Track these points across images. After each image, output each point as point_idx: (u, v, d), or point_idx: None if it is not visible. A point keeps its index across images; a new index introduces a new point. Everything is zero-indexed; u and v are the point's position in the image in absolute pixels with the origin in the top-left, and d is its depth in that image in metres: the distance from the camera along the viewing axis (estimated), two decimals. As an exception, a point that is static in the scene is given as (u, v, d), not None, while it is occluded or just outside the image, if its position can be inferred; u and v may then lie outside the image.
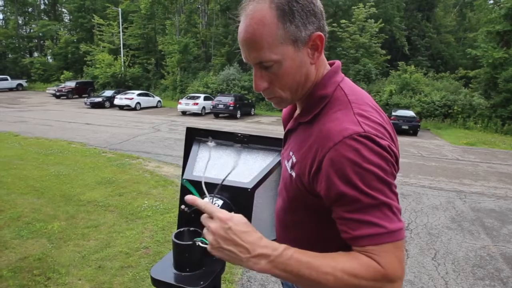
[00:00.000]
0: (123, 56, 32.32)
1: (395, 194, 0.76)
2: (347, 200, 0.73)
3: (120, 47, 32.62)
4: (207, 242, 0.80)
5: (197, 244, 0.87)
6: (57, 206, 4.85)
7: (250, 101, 22.51)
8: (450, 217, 5.33)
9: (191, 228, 1.00)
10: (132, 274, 3.19)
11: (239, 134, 1.21)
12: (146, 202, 5.10)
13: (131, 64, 33.07)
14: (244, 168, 1.15)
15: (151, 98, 23.51)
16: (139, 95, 22.43)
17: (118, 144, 9.84)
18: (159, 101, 24.12)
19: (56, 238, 3.88)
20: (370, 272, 0.71)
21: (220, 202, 1.04)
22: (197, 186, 1.03)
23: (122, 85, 29.83)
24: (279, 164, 1.14)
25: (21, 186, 5.63)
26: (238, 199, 1.06)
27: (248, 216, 0.99)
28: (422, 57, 31.43)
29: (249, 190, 1.06)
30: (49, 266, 3.29)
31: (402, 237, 0.74)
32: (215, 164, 1.16)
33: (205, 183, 1.01)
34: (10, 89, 32.02)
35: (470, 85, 23.82)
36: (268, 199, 1.16)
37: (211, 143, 1.17)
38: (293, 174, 0.87)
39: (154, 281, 0.94)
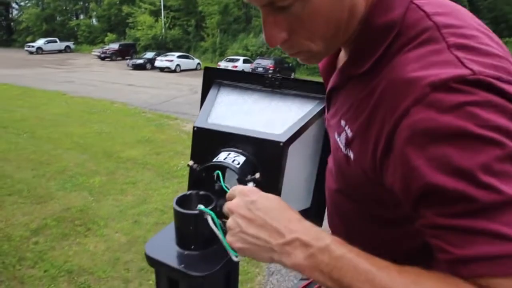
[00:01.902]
0: (164, 17, 32.36)
1: None
2: (446, 198, 0.42)
3: (160, 9, 32.61)
4: (220, 227, 0.61)
5: (205, 217, 0.67)
6: (99, 162, 5.04)
7: (290, 64, 21.91)
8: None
9: (201, 192, 0.76)
10: (166, 230, 3.25)
11: (270, 76, 0.95)
12: (182, 162, 5.15)
13: (171, 26, 33.09)
14: (275, 116, 0.87)
15: (190, 61, 23.56)
16: (179, 57, 22.54)
17: (157, 105, 10.01)
18: (198, 63, 24.12)
19: (97, 192, 4.04)
20: None
21: (242, 158, 0.78)
22: (212, 137, 0.82)
23: (162, 47, 30.09)
24: (320, 114, 0.87)
25: (67, 142, 5.90)
26: (266, 156, 0.80)
27: (278, 179, 0.79)
28: (484, 20, 28.52)
29: (281, 144, 0.78)
30: (90, 217, 3.43)
31: None
32: (238, 111, 0.91)
33: (223, 133, 0.81)
34: (59, 51, 33.42)
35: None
36: (304, 158, 0.92)
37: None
38: (351, 155, 0.56)
39: (149, 259, 0.73)
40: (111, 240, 3.07)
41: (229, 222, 0.56)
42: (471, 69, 0.42)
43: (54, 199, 3.80)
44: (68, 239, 3.05)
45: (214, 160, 0.78)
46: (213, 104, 0.92)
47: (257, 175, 0.75)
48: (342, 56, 0.67)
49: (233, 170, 0.75)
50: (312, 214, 0.99)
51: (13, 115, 7.65)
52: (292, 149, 0.81)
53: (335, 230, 0.75)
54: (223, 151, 0.80)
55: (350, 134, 0.56)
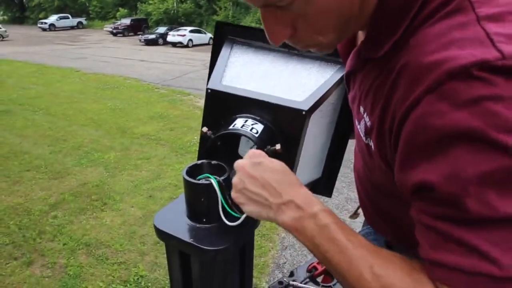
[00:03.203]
0: (175, -9, 31.79)
1: None
2: (437, 198, 0.39)
3: (172, -18, 32.00)
4: (223, 195, 0.60)
5: (214, 185, 0.64)
6: (113, 138, 5.08)
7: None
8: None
9: (213, 162, 0.73)
10: (180, 205, 3.29)
11: None
12: (195, 137, 5.15)
13: (183, 0, 32.52)
14: (295, 81, 0.80)
15: (203, 35, 23.22)
16: (191, 31, 22.21)
17: (170, 81, 9.96)
18: (211, 37, 23.74)
19: (112, 167, 4.09)
20: None
21: (260, 126, 0.73)
22: (227, 101, 0.74)
23: (174, 22, 29.72)
24: (340, 82, 0.79)
25: (81, 118, 5.95)
26: (286, 123, 0.74)
27: (296, 149, 0.74)
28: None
29: (303, 113, 0.72)
30: (105, 192, 3.49)
31: None
32: (254, 72, 0.82)
33: (240, 97, 0.73)
34: (72, 27, 33.39)
35: None
36: (321, 128, 0.85)
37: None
38: (372, 145, 0.53)
39: (158, 232, 0.70)
40: (127, 214, 3.12)
41: (235, 179, 0.58)
42: (501, 52, 0.34)
43: (71, 174, 3.86)
44: (86, 213, 3.11)
45: (231, 127, 0.73)
46: (226, 64, 0.84)
47: (278, 146, 0.70)
48: (360, 34, 0.59)
49: (251, 140, 0.70)
50: (322, 184, 0.95)
51: (28, 92, 7.74)
52: (312, 118, 0.75)
53: (363, 206, 0.75)
54: (239, 117, 0.74)
55: (368, 123, 0.52)
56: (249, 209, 0.57)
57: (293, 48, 0.81)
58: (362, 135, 0.56)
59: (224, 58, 0.85)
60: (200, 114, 6.09)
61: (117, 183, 3.70)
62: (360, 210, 0.84)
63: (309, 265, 1.02)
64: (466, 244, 0.37)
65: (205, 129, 0.75)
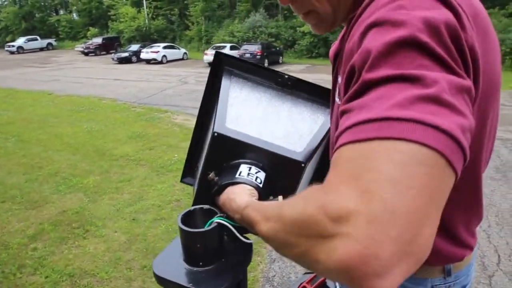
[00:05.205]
0: (146, 8, 31.68)
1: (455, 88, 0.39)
2: (352, 78, 0.45)
3: (142, -1, 31.91)
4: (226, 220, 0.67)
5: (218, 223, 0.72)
6: (92, 161, 4.98)
7: (277, 49, 21.66)
8: (494, 167, 4.99)
9: (205, 207, 0.78)
10: (165, 226, 3.24)
11: (285, 75, 0.93)
12: (176, 155, 5.11)
13: (154, 16, 32.45)
14: (291, 127, 0.87)
15: (176, 51, 23.20)
16: (164, 47, 22.16)
17: (146, 98, 9.88)
18: (185, 53, 23.77)
19: (92, 192, 4.00)
20: (303, 201, 0.40)
21: (262, 175, 0.79)
22: (232, 145, 0.79)
23: (147, 39, 29.56)
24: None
25: (57, 143, 5.81)
26: (283, 171, 0.80)
27: (292, 193, 0.80)
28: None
29: (303, 165, 0.79)
30: (87, 219, 3.40)
31: (409, 137, 0.35)
32: (254, 114, 0.88)
33: (244, 143, 0.78)
34: (41, 49, 32.60)
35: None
36: (312, 167, 0.92)
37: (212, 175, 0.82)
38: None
39: (158, 278, 0.74)
40: (111, 240, 3.06)
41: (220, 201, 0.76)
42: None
43: (49, 202, 3.75)
44: (67, 242, 3.03)
45: (237, 175, 0.77)
46: (227, 100, 0.88)
47: (280, 198, 0.75)
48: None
49: (256, 190, 0.76)
50: None
51: (-1, 118, 7.50)
52: (308, 166, 0.83)
53: None
54: (243, 163, 0.79)
55: (340, 80, 0.58)
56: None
57: (288, 87, 0.92)
58: (337, 98, 0.64)
59: (225, 93, 0.90)
60: (178, 130, 6.09)
61: (98, 208, 3.62)
62: None
63: (299, 286, 1.04)
64: (358, 106, 0.41)
65: (212, 175, 0.78)
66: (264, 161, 0.80)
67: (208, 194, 0.79)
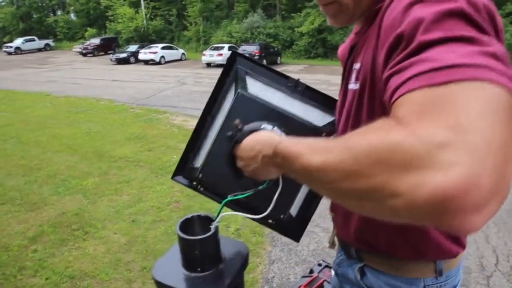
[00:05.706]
0: (144, 8, 31.64)
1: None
2: (402, 43, 0.47)
3: (140, -1, 31.89)
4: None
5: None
6: (90, 163, 4.99)
7: (276, 49, 21.71)
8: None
9: (202, 214, 0.81)
10: (164, 227, 3.26)
11: (297, 80, 0.93)
12: (174, 156, 5.12)
13: (152, 17, 32.41)
14: (304, 114, 0.89)
15: (175, 51, 23.20)
16: (163, 48, 22.16)
17: (145, 99, 9.88)
18: (183, 53, 23.78)
19: (91, 193, 4.01)
20: (380, 131, 0.39)
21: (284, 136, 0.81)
22: (254, 108, 0.80)
23: (145, 39, 29.54)
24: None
25: (55, 144, 5.81)
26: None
27: None
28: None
29: (323, 134, 0.83)
30: (86, 221, 3.41)
31: (476, 76, 0.37)
32: (272, 99, 0.89)
33: (268, 107, 0.80)
34: (39, 50, 32.51)
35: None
36: None
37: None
38: (358, 83, 0.66)
39: (158, 284, 0.76)
40: (110, 241, 3.07)
41: (240, 163, 0.74)
42: None
43: (49, 204, 3.76)
44: (67, 244, 3.04)
45: (263, 126, 0.78)
46: (245, 80, 0.89)
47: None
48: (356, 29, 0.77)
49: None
50: (293, 227, 0.99)
51: (-2, 120, 7.49)
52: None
53: (335, 211, 0.88)
54: (266, 123, 0.79)
55: (358, 65, 0.66)
56: (253, 166, 0.70)
57: (297, 92, 0.93)
58: (352, 84, 0.69)
59: (242, 78, 0.91)
60: (177, 132, 6.09)
61: (97, 210, 3.63)
62: (336, 239, 0.90)
63: None
64: (419, 60, 0.43)
65: (238, 121, 0.77)
66: (284, 126, 0.80)
67: (222, 148, 0.80)
